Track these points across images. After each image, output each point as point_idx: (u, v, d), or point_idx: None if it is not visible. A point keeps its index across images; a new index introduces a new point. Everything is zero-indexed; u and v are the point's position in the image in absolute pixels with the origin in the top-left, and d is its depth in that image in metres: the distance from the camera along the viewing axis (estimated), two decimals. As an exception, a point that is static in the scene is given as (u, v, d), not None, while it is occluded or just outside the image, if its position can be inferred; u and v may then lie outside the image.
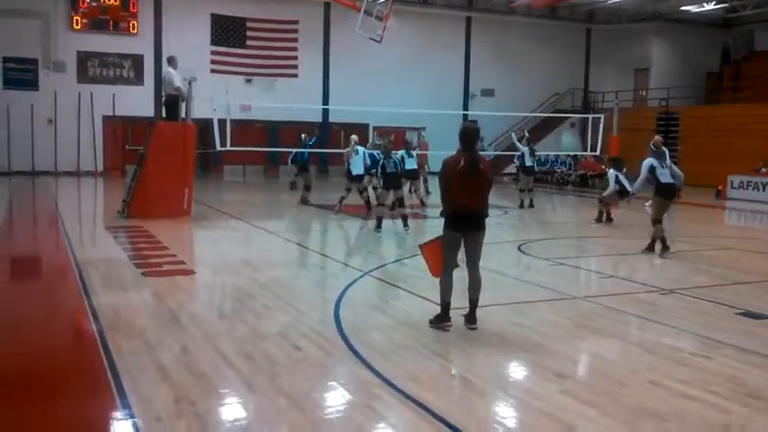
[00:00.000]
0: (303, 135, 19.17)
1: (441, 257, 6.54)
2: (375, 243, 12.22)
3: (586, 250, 12.00)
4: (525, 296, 8.01)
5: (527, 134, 19.42)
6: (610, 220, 14.72)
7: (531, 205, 17.74)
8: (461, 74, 34.13)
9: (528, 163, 18.01)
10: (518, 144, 18.40)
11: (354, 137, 15.25)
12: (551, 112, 34.02)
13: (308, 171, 18.29)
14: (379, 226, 12.79)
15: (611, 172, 14.68)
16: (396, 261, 10.16)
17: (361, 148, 15.13)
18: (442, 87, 32.64)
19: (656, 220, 10.85)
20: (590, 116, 23.50)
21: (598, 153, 21.98)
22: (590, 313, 7.29)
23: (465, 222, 6.46)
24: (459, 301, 6.70)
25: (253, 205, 17.96)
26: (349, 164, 14.96)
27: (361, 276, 8.84)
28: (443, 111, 25.56)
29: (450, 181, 6.43)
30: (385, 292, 8.18)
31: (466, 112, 31.94)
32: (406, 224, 12.89)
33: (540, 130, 32.92)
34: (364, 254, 11.16)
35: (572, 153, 28.74)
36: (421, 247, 6.81)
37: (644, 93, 34.18)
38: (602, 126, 20.75)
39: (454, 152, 6.55)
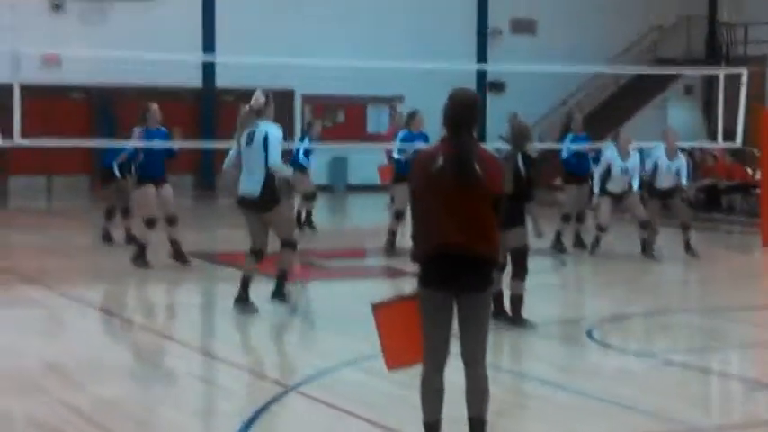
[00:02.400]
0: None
1: (412, 335, 6.65)
2: (305, 329, 12.20)
3: (718, 335, 12.07)
4: (599, 428, 8.05)
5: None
6: None
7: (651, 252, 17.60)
8: (473, -7, 34.54)
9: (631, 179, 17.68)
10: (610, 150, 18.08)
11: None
12: (648, 65, 34.43)
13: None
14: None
15: None
16: (349, 363, 10.15)
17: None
18: (437, 18, 33.04)
19: None
20: (722, 71, 23.76)
21: (739, 143, 22.21)
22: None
23: (452, 273, 6.56)
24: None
25: (65, 255, 17.82)
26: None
27: (281, 395, 8.80)
28: (438, 64, 25.75)
29: (420, 196, 6.61)
30: (330, 426, 8.15)
31: (483, 66, 32.19)
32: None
33: (626, 99, 33.26)
34: (286, 350, 11.13)
35: (689, 145, 29.01)
36: (375, 309, 6.83)
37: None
38: (744, 91, 20.97)
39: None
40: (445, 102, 6.66)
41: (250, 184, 12.33)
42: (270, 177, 12.29)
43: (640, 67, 33.66)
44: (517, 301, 11.59)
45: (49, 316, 12.73)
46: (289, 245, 12.69)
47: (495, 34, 34.65)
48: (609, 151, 17.53)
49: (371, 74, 26.39)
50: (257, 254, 12.47)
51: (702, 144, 28.63)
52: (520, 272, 11.57)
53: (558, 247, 18.08)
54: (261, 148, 12.27)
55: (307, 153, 20.09)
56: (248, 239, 12.50)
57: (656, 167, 17.49)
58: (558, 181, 21.10)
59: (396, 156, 17.43)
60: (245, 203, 12.46)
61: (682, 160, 17.64)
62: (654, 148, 17.70)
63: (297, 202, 19.00)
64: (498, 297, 11.45)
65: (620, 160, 17.24)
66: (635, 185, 17.52)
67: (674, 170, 17.48)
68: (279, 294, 12.52)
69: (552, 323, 12.24)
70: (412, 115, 18.05)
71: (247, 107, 12.82)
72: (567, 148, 18.61)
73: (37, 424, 8.05)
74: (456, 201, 6.46)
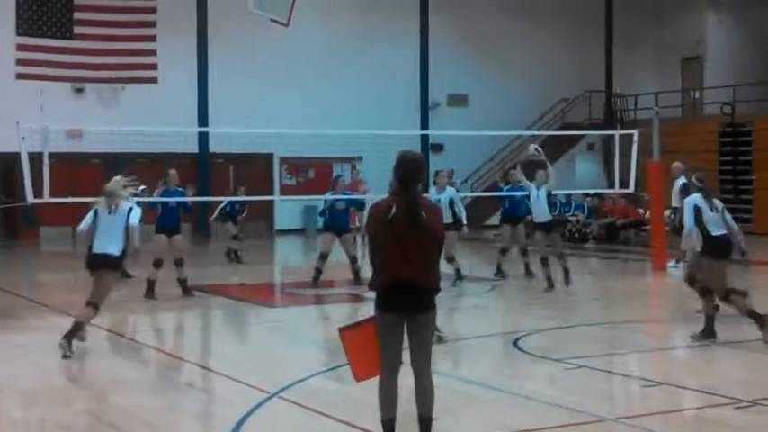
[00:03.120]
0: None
1: (373, 350, 6.72)
2: (285, 346, 12.17)
3: (619, 343, 12.12)
4: (526, 420, 8.01)
5: (537, 152, 17.82)
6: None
7: (567, 278, 17.07)
8: (416, 72, 34.72)
9: (540, 212, 17.25)
10: (523, 181, 17.80)
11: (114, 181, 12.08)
12: (557, 129, 34.63)
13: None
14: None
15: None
16: (320, 372, 10.11)
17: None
18: (388, 94, 33.17)
19: (727, 292, 11.16)
20: (617, 132, 23.86)
21: (631, 189, 22.34)
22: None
23: (402, 300, 6.63)
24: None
25: (88, 291, 17.63)
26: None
27: (266, 400, 8.76)
28: (389, 131, 25.80)
29: (377, 238, 6.67)
30: (304, 424, 8.12)
31: (425, 132, 32.34)
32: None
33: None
34: (269, 362, 11.07)
35: (592, 192, 29.21)
36: (342, 332, 6.96)
37: (697, 94, 35.12)
38: (635, 147, 21.09)
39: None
40: (396, 160, 6.74)
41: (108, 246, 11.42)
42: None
43: (551, 131, 33.78)
44: None
45: (76, 341, 12.62)
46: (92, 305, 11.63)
47: (434, 106, 34.77)
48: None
49: (336, 139, 26.48)
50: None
51: (602, 190, 28.92)
52: None
53: (499, 274, 18.30)
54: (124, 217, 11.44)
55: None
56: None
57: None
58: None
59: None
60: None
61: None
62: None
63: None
64: None
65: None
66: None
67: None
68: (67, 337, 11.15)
69: (485, 336, 12.27)
70: (335, 179, 18.70)
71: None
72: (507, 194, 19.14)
73: (66, 428, 7.98)
74: (406, 242, 6.53)
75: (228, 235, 22.83)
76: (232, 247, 22.71)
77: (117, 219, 11.42)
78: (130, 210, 11.50)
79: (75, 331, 11.23)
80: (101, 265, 11.39)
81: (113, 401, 8.80)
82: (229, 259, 22.57)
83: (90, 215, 11.67)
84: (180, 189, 16.81)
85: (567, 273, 16.72)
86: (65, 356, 10.74)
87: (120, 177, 11.92)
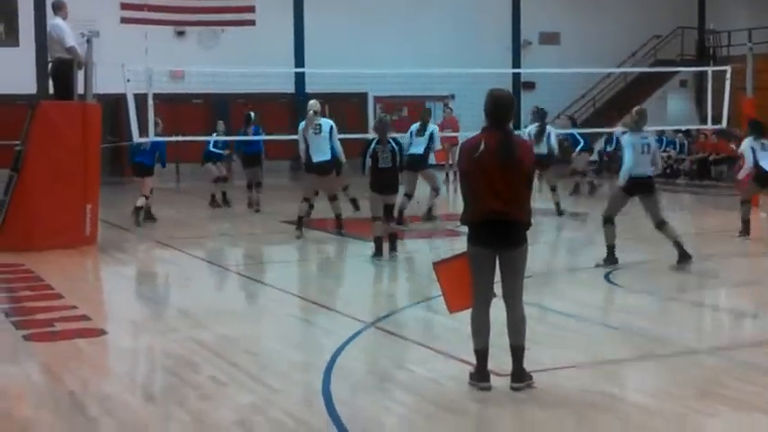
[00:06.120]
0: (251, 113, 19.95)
1: (466, 284, 6.78)
2: (378, 277, 12.26)
3: (712, 277, 11.97)
4: (617, 352, 8.00)
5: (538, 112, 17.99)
6: (746, 230, 14.63)
7: (558, 212, 17.76)
8: (508, 11, 34.33)
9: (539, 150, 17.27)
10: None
11: (314, 102, 15.03)
12: (649, 66, 34.20)
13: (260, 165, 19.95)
14: (378, 252, 12.76)
15: (747, 143, 14.68)
16: (415, 304, 10.15)
17: (327, 122, 14.98)
18: (480, 34, 32.91)
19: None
20: (710, 69, 23.48)
21: (724, 125, 21.98)
22: (721, 376, 7.26)
23: (494, 235, 6.66)
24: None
25: (190, 225, 17.98)
26: (307, 147, 14.82)
27: (361, 330, 8.83)
28: (482, 69, 25.61)
29: (467, 174, 6.69)
30: (399, 352, 8.19)
31: (517, 70, 32.10)
32: (393, 247, 12.91)
33: (634, 93, 32.92)
34: (365, 295, 11.17)
35: (684, 128, 28.76)
36: (436, 266, 7.04)
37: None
38: (728, 84, 20.74)
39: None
40: (486, 98, 6.78)
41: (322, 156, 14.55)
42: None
43: (643, 68, 33.44)
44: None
45: (179, 273, 12.89)
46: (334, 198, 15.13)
47: (526, 45, 34.55)
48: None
49: (428, 78, 26.41)
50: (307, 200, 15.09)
51: (695, 126, 28.43)
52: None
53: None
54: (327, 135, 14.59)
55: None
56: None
57: None
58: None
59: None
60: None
61: None
62: None
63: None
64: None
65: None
66: None
67: None
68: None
69: (575, 270, 12.19)
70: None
71: (311, 111, 14.66)
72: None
73: (173, 356, 8.14)
74: (496, 177, 6.56)
75: (209, 177, 20.57)
76: (217, 191, 20.57)
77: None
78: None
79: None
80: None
81: (217, 331, 8.92)
82: (213, 205, 20.46)
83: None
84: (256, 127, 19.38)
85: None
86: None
87: None
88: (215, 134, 20.60)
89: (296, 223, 15.19)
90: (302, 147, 14.84)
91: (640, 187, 11.66)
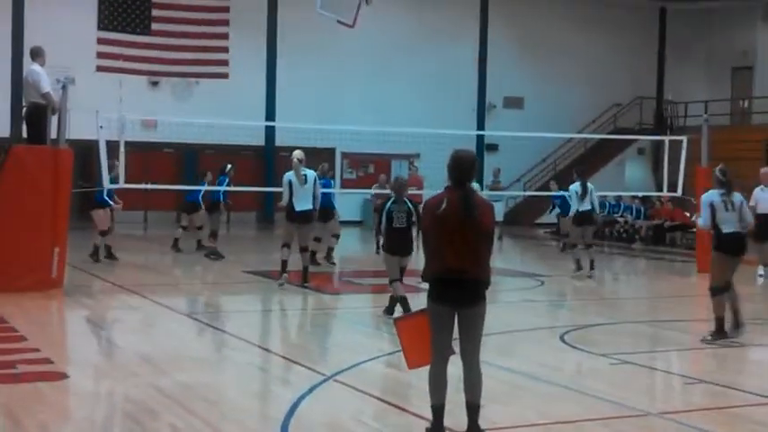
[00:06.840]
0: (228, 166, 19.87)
1: (426, 340, 6.75)
2: (342, 331, 12.26)
3: (663, 341, 12.02)
4: (571, 412, 7.97)
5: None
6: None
7: (592, 268, 17.66)
8: (474, 76, 34.67)
9: (583, 207, 17.71)
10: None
11: (298, 153, 15.10)
12: (609, 133, 34.46)
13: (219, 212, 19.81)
14: (390, 311, 12.38)
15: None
16: (375, 358, 10.12)
17: (311, 172, 15.15)
18: (447, 96, 33.14)
19: (717, 289, 11.08)
20: (667, 138, 23.70)
21: (679, 193, 22.16)
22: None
23: (452, 292, 6.66)
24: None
25: (158, 272, 17.88)
26: (291, 197, 14.85)
27: (320, 382, 8.79)
28: (447, 130, 25.75)
29: (429, 231, 6.71)
30: (358, 406, 8.13)
31: (481, 132, 32.26)
32: (403, 308, 12.21)
33: (593, 159, 33.28)
34: (325, 347, 11.13)
35: (641, 194, 29.01)
36: (396, 322, 7.09)
37: (745, 104, 34.69)
38: (684, 153, 20.96)
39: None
40: (450, 158, 6.84)
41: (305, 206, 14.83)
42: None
43: (603, 135, 33.67)
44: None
45: (144, 319, 12.79)
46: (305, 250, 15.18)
47: (491, 108, 34.76)
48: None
49: (395, 136, 26.56)
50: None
51: (651, 193, 28.69)
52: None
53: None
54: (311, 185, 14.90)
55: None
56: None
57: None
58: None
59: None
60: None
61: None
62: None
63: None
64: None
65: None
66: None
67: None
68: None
69: (532, 330, 12.23)
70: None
71: (295, 159, 14.83)
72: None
73: (133, 402, 8.08)
74: (457, 235, 6.57)
75: (178, 224, 21.15)
76: (177, 236, 20.91)
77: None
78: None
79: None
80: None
81: (177, 378, 8.86)
82: (176, 249, 20.82)
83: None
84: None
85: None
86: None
87: None
88: (205, 183, 20.43)
89: (279, 271, 15.15)
90: (286, 195, 14.92)
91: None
